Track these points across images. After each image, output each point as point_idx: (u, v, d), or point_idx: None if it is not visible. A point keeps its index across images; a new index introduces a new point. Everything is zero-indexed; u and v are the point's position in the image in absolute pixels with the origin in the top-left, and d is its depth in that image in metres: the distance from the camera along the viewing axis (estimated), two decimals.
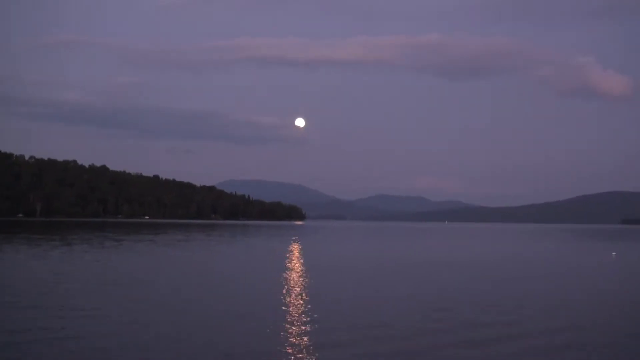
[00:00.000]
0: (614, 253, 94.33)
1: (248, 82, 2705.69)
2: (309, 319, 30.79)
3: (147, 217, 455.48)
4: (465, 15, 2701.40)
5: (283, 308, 33.98)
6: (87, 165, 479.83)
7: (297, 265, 65.36)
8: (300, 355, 23.21)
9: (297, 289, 43.24)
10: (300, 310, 33.33)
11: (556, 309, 35.75)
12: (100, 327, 27.68)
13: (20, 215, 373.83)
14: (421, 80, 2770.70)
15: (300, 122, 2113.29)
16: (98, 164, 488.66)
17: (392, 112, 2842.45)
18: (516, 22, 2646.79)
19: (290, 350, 23.86)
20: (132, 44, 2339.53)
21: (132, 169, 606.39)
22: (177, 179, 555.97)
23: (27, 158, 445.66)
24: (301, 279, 50.54)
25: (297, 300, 37.17)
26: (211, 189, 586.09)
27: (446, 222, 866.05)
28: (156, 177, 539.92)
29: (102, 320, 29.54)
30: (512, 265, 69.84)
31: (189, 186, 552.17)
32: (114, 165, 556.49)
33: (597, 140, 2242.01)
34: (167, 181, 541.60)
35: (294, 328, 28.25)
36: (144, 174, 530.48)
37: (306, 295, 39.47)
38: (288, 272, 55.43)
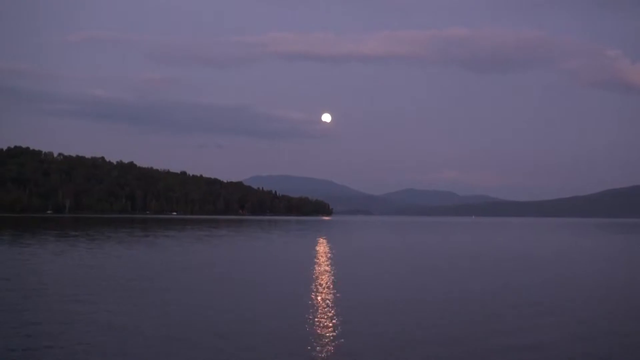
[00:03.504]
0: None
1: (275, 77, 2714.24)
2: (337, 323, 30.36)
3: (174, 213, 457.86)
4: (491, 8, 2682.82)
5: (312, 307, 33.58)
6: (115, 162, 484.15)
7: (324, 261, 64.94)
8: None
9: (327, 287, 42.75)
10: (328, 312, 32.87)
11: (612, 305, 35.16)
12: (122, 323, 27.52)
13: (49, 211, 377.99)
14: (448, 73, 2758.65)
15: (326, 117, 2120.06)
16: (126, 160, 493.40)
17: (418, 106, 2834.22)
18: (543, 14, 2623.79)
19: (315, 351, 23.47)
20: (160, 40, 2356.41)
21: (159, 165, 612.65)
22: (205, 175, 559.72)
23: (55, 155, 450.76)
24: (329, 276, 50.02)
25: (326, 300, 36.69)
26: (238, 184, 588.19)
27: (473, 216, 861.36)
28: (183, 173, 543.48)
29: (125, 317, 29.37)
30: (549, 260, 69.06)
31: (216, 182, 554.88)
32: (141, 161, 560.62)
33: (625, 134, 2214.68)
34: (194, 177, 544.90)
35: (319, 328, 27.83)
36: (172, 170, 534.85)
37: (336, 297, 38.99)
38: (316, 268, 55.02)
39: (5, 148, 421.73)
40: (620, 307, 34.50)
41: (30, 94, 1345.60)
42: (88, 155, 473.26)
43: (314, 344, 23.92)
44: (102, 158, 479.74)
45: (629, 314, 32.31)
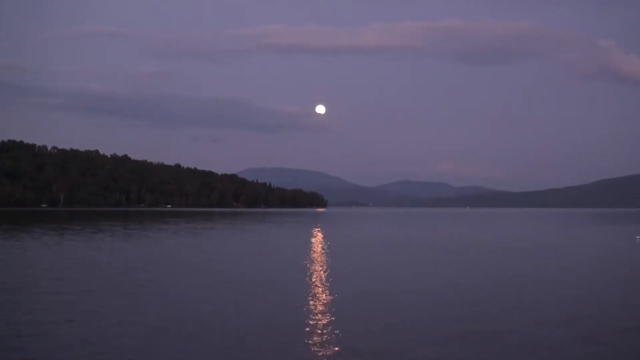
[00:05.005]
0: (638, 237, 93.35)
1: (269, 69, 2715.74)
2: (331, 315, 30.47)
3: (169, 206, 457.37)
4: (486, 0, 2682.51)
5: (307, 299, 33.65)
6: (109, 155, 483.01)
7: (320, 253, 64.99)
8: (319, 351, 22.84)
9: (323, 279, 42.73)
10: (323, 304, 32.89)
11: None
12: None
13: (44, 205, 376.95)
14: (443, 65, 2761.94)
15: (320, 109, 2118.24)
16: (120, 153, 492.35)
17: (413, 98, 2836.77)
18: (537, 6, 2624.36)
19: (313, 343, 23.54)
20: (154, 33, 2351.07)
21: (153, 158, 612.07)
22: (199, 168, 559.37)
23: (50, 149, 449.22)
24: (325, 268, 49.99)
25: (322, 292, 36.70)
26: (232, 177, 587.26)
27: (468, 207, 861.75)
28: (178, 165, 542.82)
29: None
30: (545, 251, 69.28)
31: (210, 174, 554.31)
32: (135, 155, 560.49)
33: (619, 124, 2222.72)
34: (188, 170, 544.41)
35: (316, 319, 27.92)
36: (166, 163, 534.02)
37: (332, 289, 39.02)
38: (311, 260, 55.03)
39: None
40: (619, 298, 34.75)
41: (25, 88, 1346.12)
42: (82, 148, 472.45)
43: (310, 336, 23.89)
44: (96, 151, 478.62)
45: (628, 305, 32.53)
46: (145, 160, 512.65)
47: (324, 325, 25.77)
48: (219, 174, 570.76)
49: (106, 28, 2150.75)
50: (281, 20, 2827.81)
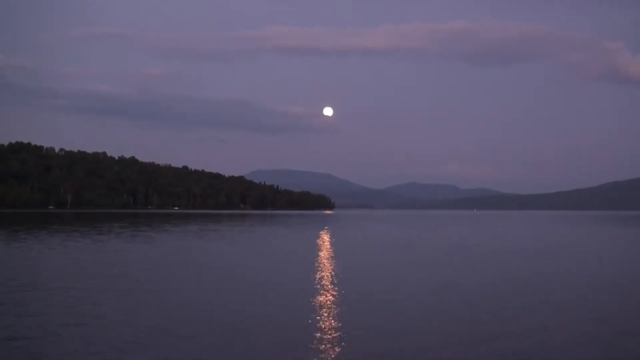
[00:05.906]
0: None
1: (277, 71, 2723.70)
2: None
3: (176, 208, 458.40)
4: (493, 1, 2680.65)
5: (313, 302, 33.50)
6: (116, 157, 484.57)
7: (329, 256, 64.80)
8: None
9: (331, 282, 42.51)
10: (330, 307, 32.71)
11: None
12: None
13: (51, 206, 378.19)
14: (449, 67, 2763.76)
15: (328, 111, 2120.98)
16: (127, 155, 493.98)
17: (420, 100, 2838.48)
18: (545, 7, 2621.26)
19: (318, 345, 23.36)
20: (161, 34, 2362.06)
21: (161, 159, 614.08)
22: (206, 170, 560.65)
23: (57, 150, 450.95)
24: (333, 271, 49.78)
25: (329, 295, 36.54)
26: (240, 179, 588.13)
27: (475, 210, 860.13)
28: (185, 167, 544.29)
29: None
30: (551, 253, 69.08)
31: (217, 176, 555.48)
32: (143, 156, 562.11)
33: (627, 126, 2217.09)
34: (196, 172, 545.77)
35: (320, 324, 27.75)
36: (173, 164, 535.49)
37: (339, 292, 38.82)
38: (320, 263, 54.83)
39: (6, 143, 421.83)
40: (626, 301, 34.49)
41: (32, 90, 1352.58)
42: (89, 150, 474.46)
43: (311, 336, 23.73)
44: (104, 153, 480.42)
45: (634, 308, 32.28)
46: (153, 162, 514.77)
47: (325, 325, 25.64)
48: (227, 175, 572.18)
49: (112, 29, 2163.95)
50: (287, 22, 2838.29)
